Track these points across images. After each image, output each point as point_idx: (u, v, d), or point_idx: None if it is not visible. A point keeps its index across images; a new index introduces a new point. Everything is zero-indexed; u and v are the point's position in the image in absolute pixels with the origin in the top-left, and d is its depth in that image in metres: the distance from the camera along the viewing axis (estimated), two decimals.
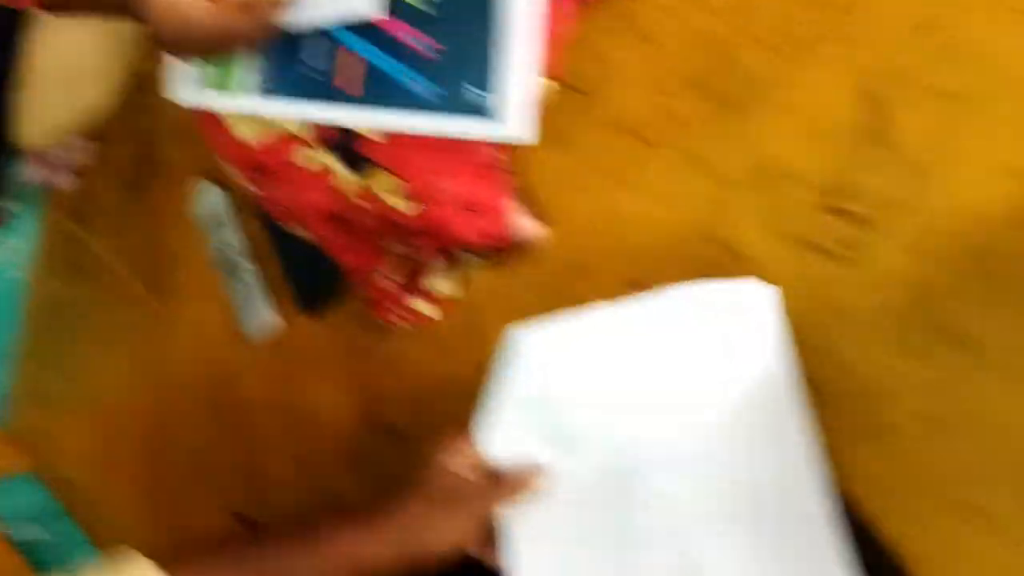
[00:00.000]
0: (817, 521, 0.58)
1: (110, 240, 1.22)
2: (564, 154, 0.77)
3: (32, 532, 1.42)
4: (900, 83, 0.61)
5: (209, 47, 0.63)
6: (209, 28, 0.60)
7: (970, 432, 0.59)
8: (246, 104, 0.68)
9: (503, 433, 0.63)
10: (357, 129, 0.68)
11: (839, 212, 0.64)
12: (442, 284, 0.83)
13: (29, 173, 1.21)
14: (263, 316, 0.99)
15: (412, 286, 0.83)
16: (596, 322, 0.64)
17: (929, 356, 0.60)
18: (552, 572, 0.59)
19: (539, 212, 0.78)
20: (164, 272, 1.14)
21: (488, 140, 0.64)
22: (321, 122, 0.67)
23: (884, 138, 0.62)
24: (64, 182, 1.23)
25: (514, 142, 0.63)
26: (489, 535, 0.63)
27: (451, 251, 0.78)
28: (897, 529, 0.61)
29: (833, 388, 0.64)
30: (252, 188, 0.79)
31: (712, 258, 0.70)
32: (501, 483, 0.62)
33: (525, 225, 0.76)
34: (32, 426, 1.41)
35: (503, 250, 0.77)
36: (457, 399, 0.72)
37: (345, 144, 0.70)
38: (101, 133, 1.17)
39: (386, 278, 0.83)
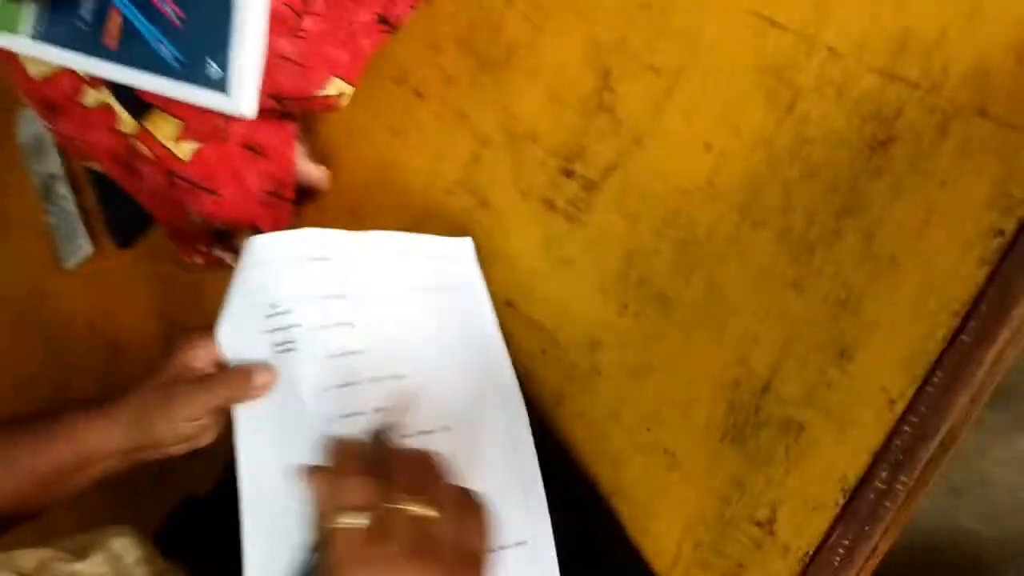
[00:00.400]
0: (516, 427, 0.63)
1: None
2: (350, 103, 0.80)
3: None
4: (623, 56, 0.66)
5: None
6: None
7: (659, 380, 0.65)
8: (22, 45, 0.69)
9: (236, 332, 0.64)
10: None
11: (570, 173, 0.69)
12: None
13: None
14: (79, 244, 1.01)
15: (211, 239, 0.86)
16: (328, 240, 0.65)
17: (631, 310, 0.66)
18: (272, 462, 0.59)
19: (321, 157, 0.82)
20: None
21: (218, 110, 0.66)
22: (83, 72, 0.69)
23: (608, 106, 0.67)
24: None
25: (238, 116, 0.66)
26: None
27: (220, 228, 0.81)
28: (597, 465, 0.68)
29: (560, 335, 0.69)
30: (45, 123, 0.80)
31: (468, 209, 0.74)
32: (230, 377, 0.62)
33: (310, 169, 0.80)
34: None
35: (288, 194, 0.81)
36: None
37: (128, 86, 0.72)
38: None
39: (187, 224, 0.85)
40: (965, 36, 0.54)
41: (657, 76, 0.65)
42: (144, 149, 0.76)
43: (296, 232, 0.64)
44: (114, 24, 0.65)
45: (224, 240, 0.87)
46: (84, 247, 1.01)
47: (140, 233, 0.97)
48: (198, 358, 0.64)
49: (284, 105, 0.76)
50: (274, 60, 0.72)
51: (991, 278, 0.53)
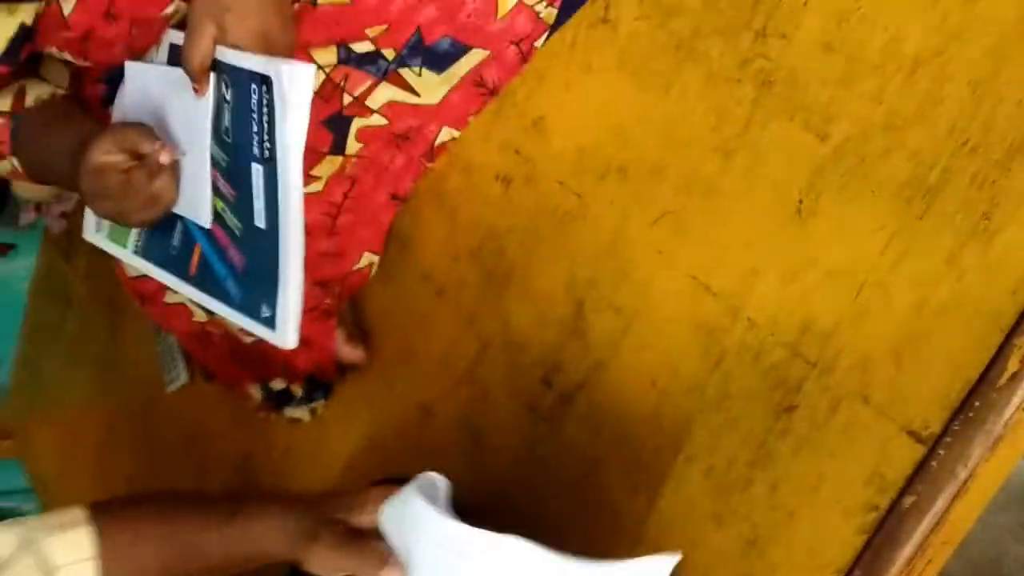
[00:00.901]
0: None
1: (85, 276, 1.46)
2: (388, 293, 0.95)
3: (7, 504, 1.69)
4: (594, 292, 0.77)
5: (114, 219, 0.80)
6: (113, 210, 0.77)
7: None
8: (127, 256, 0.88)
9: (397, 520, 0.69)
10: None
11: (549, 384, 0.81)
12: (298, 412, 1.02)
13: (27, 216, 1.45)
14: (177, 373, 1.20)
15: (272, 406, 1.02)
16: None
17: None
18: None
19: (362, 332, 0.97)
20: (122, 316, 1.36)
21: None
22: (167, 283, 0.86)
23: (580, 332, 0.78)
24: (55, 224, 1.47)
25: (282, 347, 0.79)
26: None
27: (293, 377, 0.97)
28: None
29: None
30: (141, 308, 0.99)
31: (471, 400, 0.87)
32: (373, 557, 0.68)
33: (347, 352, 0.95)
34: (17, 419, 1.67)
35: (330, 375, 0.97)
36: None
37: None
38: None
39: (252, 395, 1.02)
40: (855, 331, 0.62)
41: (618, 315, 0.76)
42: (213, 330, 0.93)
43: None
44: (196, 256, 0.82)
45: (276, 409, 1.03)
46: (182, 376, 1.20)
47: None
48: (358, 521, 0.71)
49: (327, 289, 0.91)
50: (317, 259, 0.87)
51: (866, 545, 0.61)
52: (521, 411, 0.83)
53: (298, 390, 0.98)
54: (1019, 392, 0.56)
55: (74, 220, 1.44)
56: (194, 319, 0.92)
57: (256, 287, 0.77)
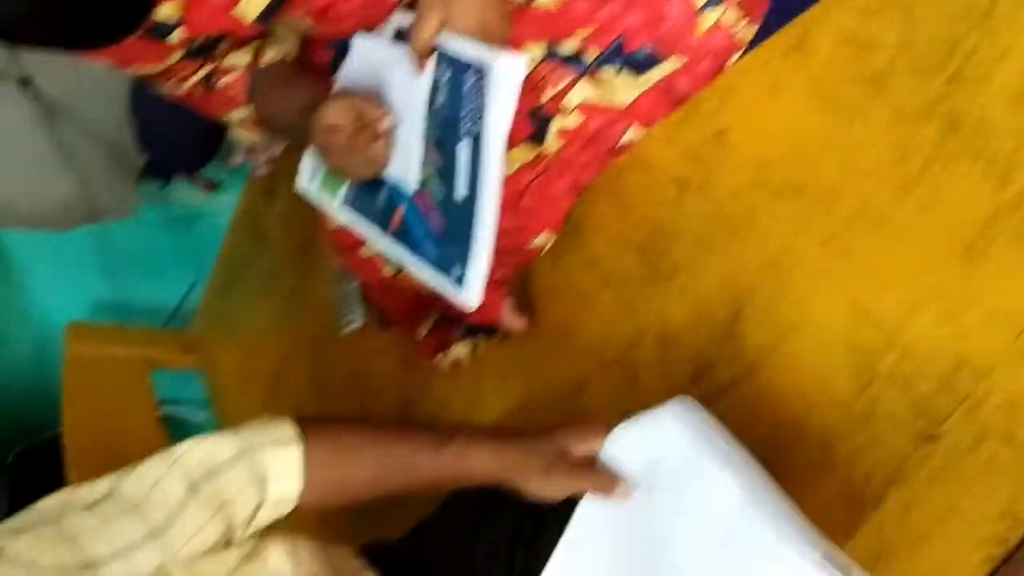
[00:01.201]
0: None
1: (282, 219, 1.61)
2: (555, 272, 1.03)
3: (186, 414, 1.89)
4: (751, 303, 0.82)
5: (335, 170, 0.92)
6: (336, 164, 0.89)
7: None
8: (330, 206, 0.98)
9: (632, 448, 0.70)
10: None
11: (697, 379, 0.86)
12: (461, 348, 1.12)
13: (237, 159, 1.62)
14: (354, 316, 1.33)
15: (442, 344, 1.13)
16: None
17: None
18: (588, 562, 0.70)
19: (527, 309, 1.05)
20: (310, 260, 1.51)
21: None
22: (366, 236, 0.96)
23: (736, 336, 0.84)
24: (261, 168, 1.62)
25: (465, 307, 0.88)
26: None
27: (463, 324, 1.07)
28: None
29: None
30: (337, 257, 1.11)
31: (619, 389, 0.94)
32: (601, 478, 0.70)
33: (512, 320, 1.04)
34: (205, 337, 1.87)
35: (494, 331, 1.06)
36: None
37: None
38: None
39: (424, 336, 1.13)
40: (1009, 373, 0.65)
41: (775, 327, 0.80)
42: (399, 284, 1.04)
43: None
44: (398, 215, 0.92)
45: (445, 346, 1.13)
46: (357, 320, 1.32)
47: None
48: (580, 449, 0.72)
49: (503, 260, 1.00)
50: (500, 233, 0.96)
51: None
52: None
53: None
54: None
55: (279, 166, 1.60)
56: (383, 272, 1.03)
57: (451, 249, 0.86)
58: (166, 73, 0.91)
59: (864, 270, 0.74)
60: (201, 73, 0.93)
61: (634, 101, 0.89)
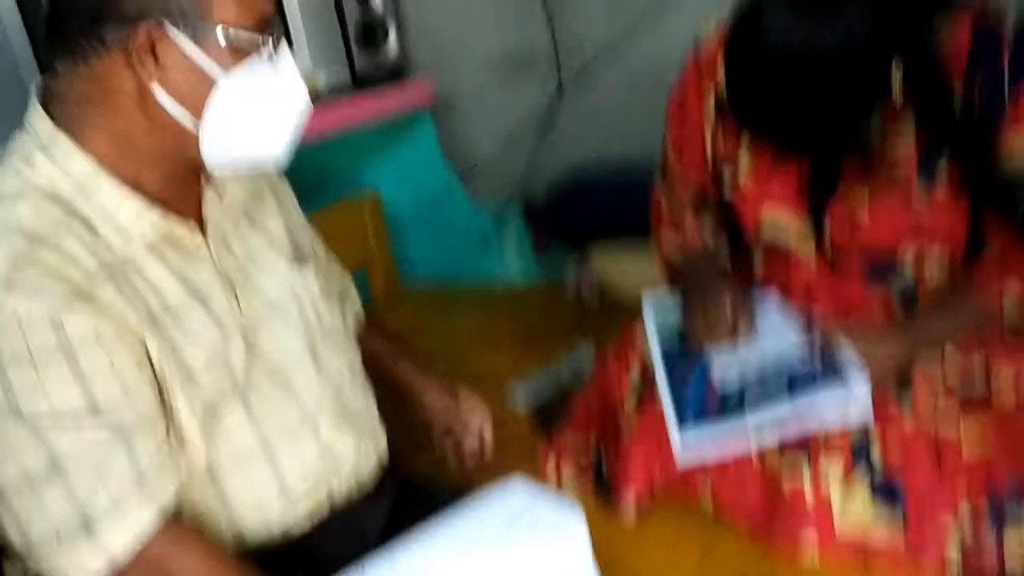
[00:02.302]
0: None
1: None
2: None
3: None
4: None
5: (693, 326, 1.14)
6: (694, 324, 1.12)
7: None
8: (650, 329, 1.18)
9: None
10: None
11: None
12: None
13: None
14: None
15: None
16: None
17: None
18: None
19: None
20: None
21: None
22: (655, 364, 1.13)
23: None
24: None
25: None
26: None
27: None
28: None
29: None
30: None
31: None
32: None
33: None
34: None
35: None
36: None
37: None
38: None
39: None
40: None
41: None
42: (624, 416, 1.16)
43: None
44: (686, 376, 1.09)
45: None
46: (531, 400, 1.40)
47: None
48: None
49: None
50: None
51: None
52: None
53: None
54: None
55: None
56: (622, 396, 1.17)
57: (704, 420, 1.03)
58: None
59: None
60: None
61: None
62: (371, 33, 1.94)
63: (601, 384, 1.22)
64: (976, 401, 1.01)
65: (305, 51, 1.82)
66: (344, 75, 1.90)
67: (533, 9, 1.95)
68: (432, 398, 1.14)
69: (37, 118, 0.84)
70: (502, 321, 1.88)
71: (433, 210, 2.20)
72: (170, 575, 0.82)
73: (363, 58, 1.93)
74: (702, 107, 1.16)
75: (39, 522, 0.79)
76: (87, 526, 0.79)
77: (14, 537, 0.81)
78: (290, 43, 1.73)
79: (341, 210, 1.94)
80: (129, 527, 0.80)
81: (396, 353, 1.17)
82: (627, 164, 1.88)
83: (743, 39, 0.96)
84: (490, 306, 2.03)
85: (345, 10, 1.89)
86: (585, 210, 1.90)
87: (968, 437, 0.98)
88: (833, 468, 0.99)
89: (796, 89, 0.92)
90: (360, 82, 1.93)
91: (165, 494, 0.82)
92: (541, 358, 1.60)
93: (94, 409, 0.79)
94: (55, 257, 0.78)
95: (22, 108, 0.86)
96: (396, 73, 2.00)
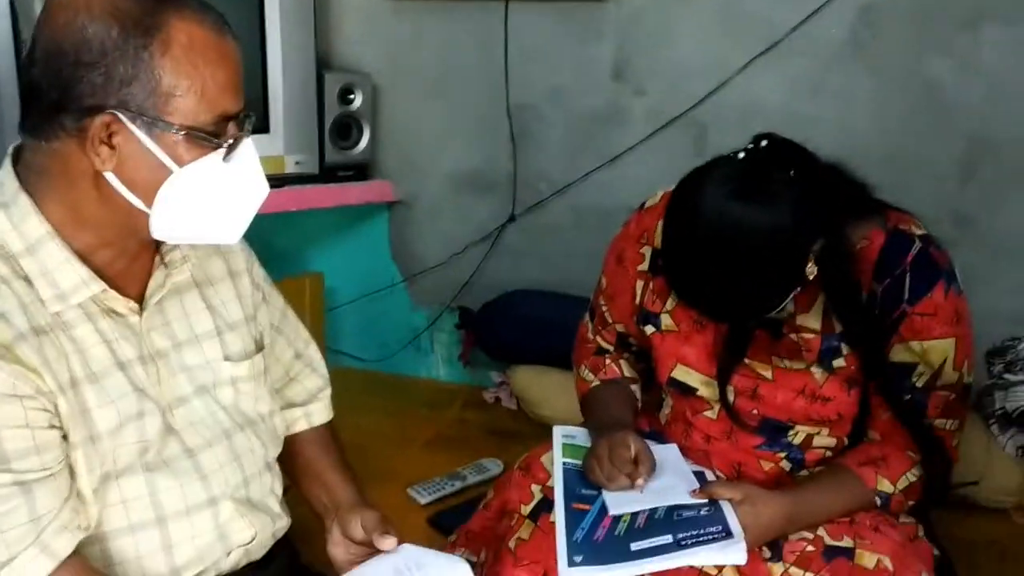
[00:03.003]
0: None
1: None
2: None
3: None
4: None
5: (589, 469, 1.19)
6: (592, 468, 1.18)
7: None
8: (556, 458, 1.24)
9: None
10: None
11: None
12: None
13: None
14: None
15: None
16: None
17: None
18: None
19: None
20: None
21: None
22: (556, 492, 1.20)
23: None
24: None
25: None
26: None
27: None
28: None
29: None
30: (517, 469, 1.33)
31: None
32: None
33: None
34: None
35: None
36: None
37: None
38: None
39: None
40: None
41: None
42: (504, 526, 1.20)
43: None
44: (583, 508, 1.16)
45: None
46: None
47: None
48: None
49: None
50: None
51: None
52: None
53: None
54: None
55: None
56: (523, 503, 1.23)
57: (592, 551, 1.10)
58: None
59: None
60: None
61: None
62: (346, 130, 2.05)
63: (501, 504, 1.28)
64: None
65: (280, 135, 1.92)
66: (313, 164, 2.00)
67: (501, 139, 2.09)
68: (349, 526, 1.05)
69: (6, 176, 0.88)
70: (417, 418, 1.95)
71: (372, 301, 2.28)
72: None
73: (334, 152, 2.04)
74: (637, 265, 1.29)
75: None
76: None
77: None
78: (267, 126, 1.88)
79: (284, 285, 1.99)
80: None
81: (340, 476, 1.14)
82: (561, 294, 2.01)
83: (682, 211, 1.06)
84: (409, 399, 2.10)
85: (326, 104, 2.01)
86: (515, 329, 1.99)
87: None
88: None
89: (725, 265, 1.02)
90: (327, 172, 2.03)
91: (62, 552, 0.84)
92: (449, 464, 1.66)
93: (2, 460, 0.80)
94: None
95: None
96: (362, 171, 2.11)
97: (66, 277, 0.86)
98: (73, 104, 0.81)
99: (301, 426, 1.16)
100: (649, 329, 1.26)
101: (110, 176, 0.84)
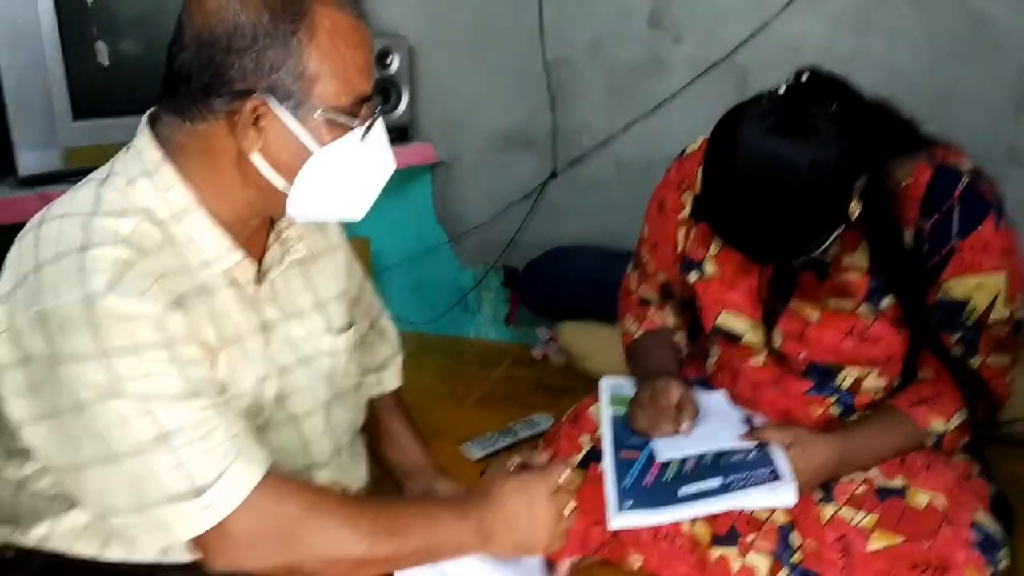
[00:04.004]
0: None
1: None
2: None
3: None
4: None
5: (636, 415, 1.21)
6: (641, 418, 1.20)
7: None
8: (604, 408, 1.28)
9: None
10: None
11: None
12: None
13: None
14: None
15: None
16: None
17: None
18: None
19: None
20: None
21: None
22: (604, 440, 1.23)
23: None
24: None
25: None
26: None
27: None
28: None
29: None
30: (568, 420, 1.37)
31: None
32: None
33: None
34: None
35: None
36: None
37: None
38: None
39: None
40: None
41: None
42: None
43: None
44: (633, 456, 1.16)
45: None
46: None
47: None
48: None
49: None
50: None
51: None
52: None
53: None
54: None
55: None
56: (574, 449, 1.26)
57: (642, 495, 1.10)
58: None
59: None
60: None
61: None
62: (385, 94, 2.06)
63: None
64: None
65: None
66: None
67: (539, 95, 2.08)
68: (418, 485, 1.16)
69: (146, 145, 0.91)
70: (468, 377, 1.98)
71: (418, 263, 2.31)
72: (274, 523, 0.86)
73: None
74: (679, 212, 1.28)
75: (152, 488, 0.82)
76: (197, 491, 0.83)
77: (105, 501, 0.85)
78: None
79: None
80: (235, 489, 0.84)
81: (412, 438, 1.22)
82: (605, 249, 2.00)
83: (720, 151, 1.05)
84: (458, 359, 2.13)
85: None
86: (560, 287, 2.00)
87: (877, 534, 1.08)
88: (761, 561, 1.09)
89: (765, 202, 1.00)
90: None
91: (264, 461, 0.87)
92: (500, 420, 1.68)
93: (193, 392, 0.84)
94: (157, 268, 0.85)
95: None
96: (403, 134, 2.12)
97: (210, 246, 0.91)
98: (224, 88, 0.85)
99: (374, 391, 1.22)
100: (692, 276, 1.26)
101: (255, 157, 0.88)
